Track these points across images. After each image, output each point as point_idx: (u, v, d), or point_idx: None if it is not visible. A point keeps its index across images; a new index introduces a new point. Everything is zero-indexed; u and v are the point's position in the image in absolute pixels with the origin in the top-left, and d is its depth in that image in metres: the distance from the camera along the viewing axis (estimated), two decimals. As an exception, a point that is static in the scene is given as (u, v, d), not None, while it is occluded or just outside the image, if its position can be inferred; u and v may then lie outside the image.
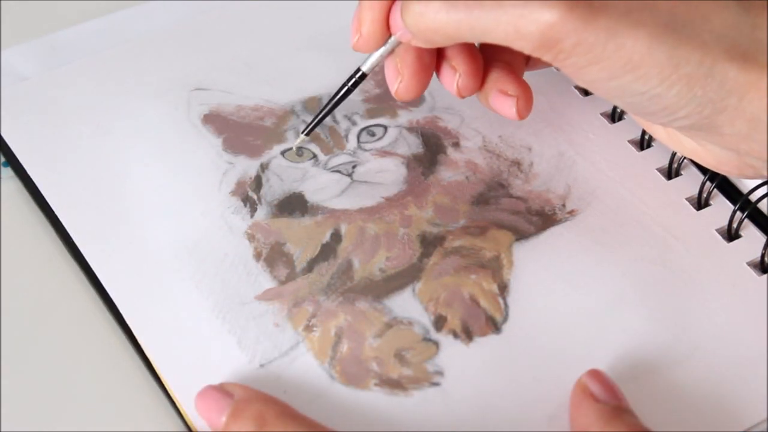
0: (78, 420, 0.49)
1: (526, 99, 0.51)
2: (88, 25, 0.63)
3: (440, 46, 0.50)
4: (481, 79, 0.51)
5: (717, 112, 0.45)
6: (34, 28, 0.63)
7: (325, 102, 0.58)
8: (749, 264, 0.52)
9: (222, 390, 0.47)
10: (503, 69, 0.51)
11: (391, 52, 0.50)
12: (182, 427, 0.48)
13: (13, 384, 0.49)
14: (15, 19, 0.64)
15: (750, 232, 0.54)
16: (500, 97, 0.51)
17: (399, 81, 0.51)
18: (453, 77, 0.51)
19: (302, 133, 0.55)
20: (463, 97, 0.51)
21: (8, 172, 0.57)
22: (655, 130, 0.52)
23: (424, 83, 0.51)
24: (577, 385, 0.47)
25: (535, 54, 0.46)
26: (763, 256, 0.52)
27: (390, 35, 0.49)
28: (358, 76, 0.52)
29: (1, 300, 0.52)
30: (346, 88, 0.53)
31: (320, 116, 0.54)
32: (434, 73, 0.51)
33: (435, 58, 0.51)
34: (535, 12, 0.44)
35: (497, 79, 0.51)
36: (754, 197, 0.54)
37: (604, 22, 0.44)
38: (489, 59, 0.52)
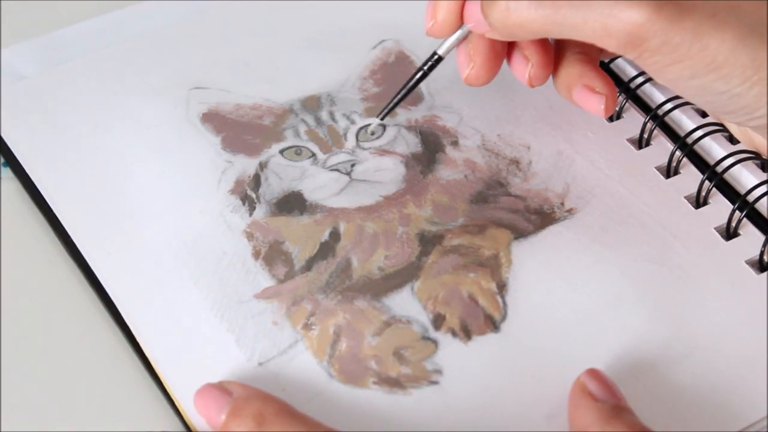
0: (77, 419, 0.49)
1: (613, 97, 0.52)
2: (88, 23, 0.63)
3: (519, 40, 0.51)
4: (551, 69, 0.52)
5: None
6: (34, 26, 0.63)
7: (324, 101, 0.58)
8: (748, 262, 0.52)
9: (221, 388, 0.47)
10: (585, 62, 0.52)
11: (465, 37, 0.51)
12: (181, 426, 0.48)
13: (12, 383, 0.49)
14: (15, 18, 0.64)
15: (749, 230, 0.54)
16: (587, 93, 0.52)
17: (471, 67, 0.52)
18: (525, 67, 0.52)
19: (378, 117, 0.55)
20: (533, 86, 0.53)
21: (8, 173, 0.57)
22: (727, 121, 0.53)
23: (495, 71, 0.52)
24: (576, 384, 0.47)
25: (619, 52, 0.47)
26: (761, 254, 0.52)
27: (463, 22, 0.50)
28: (434, 59, 0.53)
29: (1, 300, 0.52)
30: (422, 71, 0.54)
31: (396, 100, 0.55)
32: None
33: (506, 47, 0.52)
34: (624, 11, 0.45)
35: (582, 74, 0.52)
36: (752, 196, 0.54)
37: (691, 23, 0.45)
38: (562, 49, 0.52)
